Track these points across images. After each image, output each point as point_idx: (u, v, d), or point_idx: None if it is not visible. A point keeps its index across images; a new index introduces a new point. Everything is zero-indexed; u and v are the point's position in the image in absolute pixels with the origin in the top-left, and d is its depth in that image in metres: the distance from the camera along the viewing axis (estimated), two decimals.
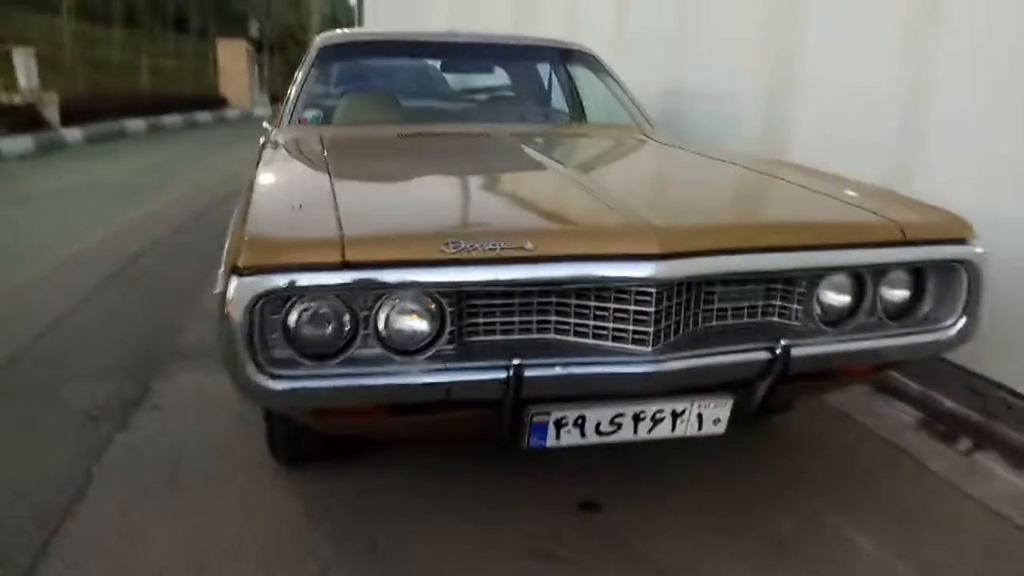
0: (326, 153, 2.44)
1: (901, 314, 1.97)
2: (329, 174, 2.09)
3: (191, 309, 3.78)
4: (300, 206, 1.80)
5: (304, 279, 1.52)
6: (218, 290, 1.59)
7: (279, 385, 1.54)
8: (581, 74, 3.76)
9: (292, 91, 3.19)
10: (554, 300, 1.72)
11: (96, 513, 2.10)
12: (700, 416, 1.84)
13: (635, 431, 1.81)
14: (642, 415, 1.80)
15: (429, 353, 1.65)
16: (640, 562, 1.94)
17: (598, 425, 1.79)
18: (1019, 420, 2.52)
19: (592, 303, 1.71)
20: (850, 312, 1.91)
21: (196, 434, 2.54)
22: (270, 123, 3.19)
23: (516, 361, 1.62)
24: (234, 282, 1.50)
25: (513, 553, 1.96)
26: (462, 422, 1.80)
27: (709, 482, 2.29)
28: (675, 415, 1.82)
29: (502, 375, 1.62)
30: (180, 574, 1.87)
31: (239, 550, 1.96)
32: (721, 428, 1.87)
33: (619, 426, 1.80)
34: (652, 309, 1.68)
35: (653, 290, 1.66)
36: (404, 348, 1.65)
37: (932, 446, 2.58)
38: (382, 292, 1.59)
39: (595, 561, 1.94)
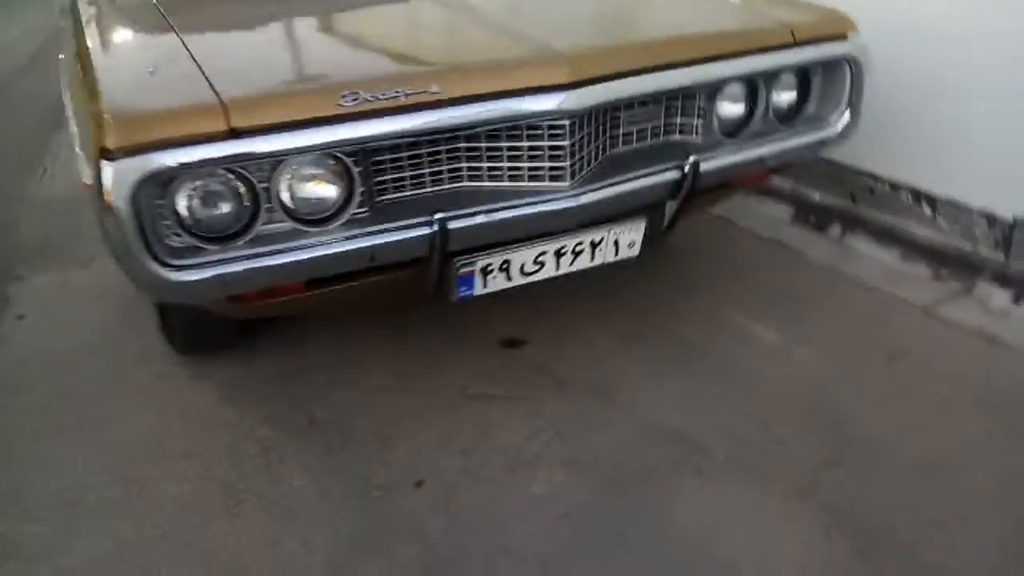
0: (158, 4, 2.11)
1: (789, 117, 2.03)
2: (175, 29, 1.81)
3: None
4: (153, 71, 1.55)
5: (188, 154, 1.34)
6: (87, 180, 1.38)
7: (185, 276, 1.40)
8: None
9: None
10: (463, 146, 1.63)
11: None
12: (616, 242, 1.86)
13: (557, 267, 1.82)
14: (563, 250, 1.79)
15: (342, 219, 1.54)
16: (570, 385, 2.02)
17: (522, 266, 1.77)
18: (881, 202, 2.75)
19: (504, 144, 1.64)
20: (744, 120, 1.95)
21: (76, 338, 2.33)
22: None
23: (439, 215, 1.55)
24: (108, 168, 1.30)
25: (449, 403, 1.98)
26: (384, 286, 1.73)
27: (616, 304, 2.37)
28: (594, 245, 1.83)
29: (426, 231, 1.55)
30: (110, 491, 1.76)
31: (165, 451, 1.86)
32: (636, 251, 1.91)
33: (542, 264, 1.80)
34: (567, 142, 1.63)
35: (566, 122, 1.60)
36: (314, 217, 1.53)
37: (808, 236, 2.78)
38: (279, 159, 1.44)
39: (528, 392, 2.00)
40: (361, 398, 2.01)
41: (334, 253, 1.50)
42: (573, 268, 1.84)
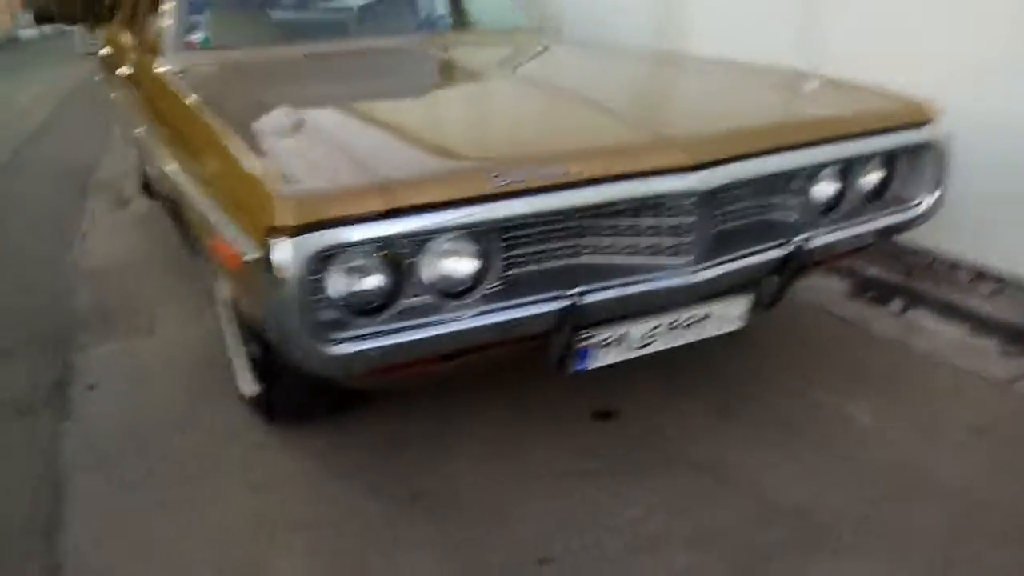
0: (271, 82, 2.20)
1: (875, 196, 2.10)
2: (301, 108, 1.87)
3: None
4: (297, 149, 1.58)
5: (355, 232, 1.37)
6: (249, 256, 1.40)
7: (344, 350, 1.41)
8: None
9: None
10: (584, 223, 1.67)
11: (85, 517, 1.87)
12: (723, 315, 1.90)
13: (669, 339, 1.84)
14: (675, 323, 1.82)
15: (479, 294, 1.56)
16: (675, 460, 2.01)
17: (637, 339, 1.80)
18: (939, 278, 2.82)
19: (624, 221, 1.68)
20: (836, 200, 2.01)
21: (155, 410, 2.30)
22: (140, 52, 2.77)
23: (576, 290, 1.57)
24: (281, 245, 1.32)
25: (554, 476, 1.96)
26: (507, 356, 1.75)
27: (702, 375, 2.38)
28: (704, 318, 1.86)
29: (560, 305, 1.57)
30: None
31: (272, 528, 1.82)
32: (741, 323, 1.94)
33: (655, 338, 1.82)
34: (688, 220, 1.68)
35: (689, 201, 1.65)
36: (451, 291, 1.55)
37: (869, 311, 2.82)
38: (429, 236, 1.47)
39: (632, 467, 1.99)
40: (463, 470, 1.99)
41: (479, 326, 1.52)
42: (682, 341, 1.87)
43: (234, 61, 2.61)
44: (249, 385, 2.20)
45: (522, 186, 1.49)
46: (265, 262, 1.34)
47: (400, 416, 2.21)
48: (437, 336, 1.49)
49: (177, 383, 2.46)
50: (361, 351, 1.42)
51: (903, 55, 2.75)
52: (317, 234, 1.33)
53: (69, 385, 2.45)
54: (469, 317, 1.52)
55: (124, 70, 3.28)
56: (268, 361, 1.95)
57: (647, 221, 1.68)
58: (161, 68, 2.55)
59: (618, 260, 1.71)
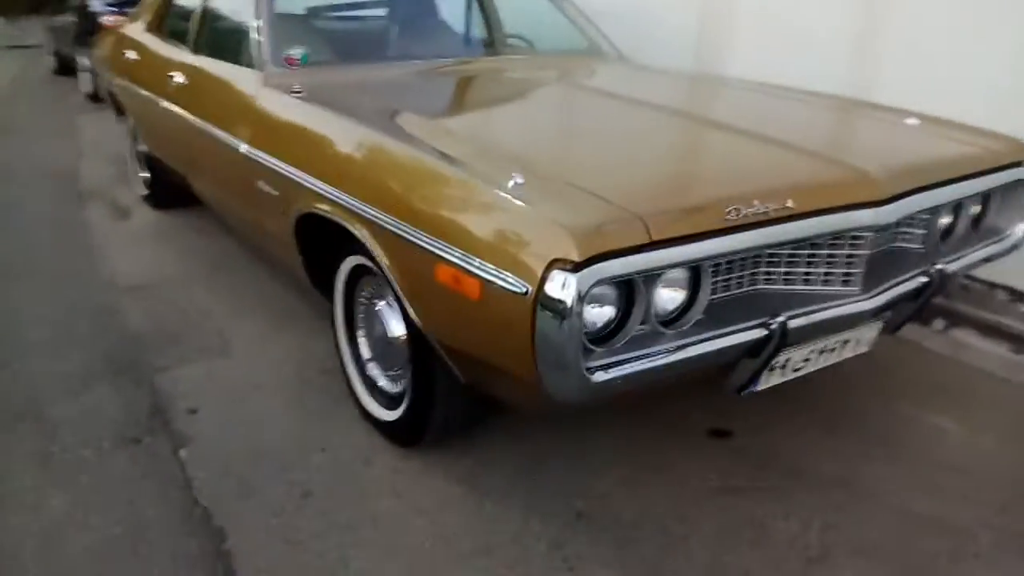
0: (427, 105, 2.23)
1: (973, 227, 2.30)
2: (499, 136, 1.96)
3: None
4: (518, 182, 1.60)
5: (619, 265, 1.42)
6: (523, 291, 1.41)
7: (602, 377, 1.45)
8: None
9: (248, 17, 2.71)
10: (766, 253, 1.77)
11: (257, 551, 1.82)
12: (860, 339, 2.03)
13: (818, 363, 1.96)
14: (825, 348, 1.94)
15: (690, 321, 1.63)
16: (804, 474, 2.12)
17: (796, 363, 1.90)
18: (977, 299, 3.07)
19: (805, 252, 1.79)
20: (949, 231, 2.19)
21: (272, 434, 2.25)
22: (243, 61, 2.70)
23: (781, 317, 1.67)
24: (566, 279, 1.35)
25: (700, 493, 2.04)
26: (694, 378, 1.82)
27: (792, 392, 2.49)
28: (846, 342, 1.99)
29: (765, 331, 1.66)
30: None
31: (455, 550, 1.82)
32: (870, 347, 2.08)
33: (809, 361, 1.93)
34: (864, 250, 1.80)
35: (869, 233, 1.78)
36: (667, 319, 1.62)
37: (916, 330, 3.04)
38: (668, 268, 1.53)
39: (770, 482, 2.09)
40: (614, 488, 2.05)
41: (704, 352, 1.59)
42: (823, 365, 1.99)
43: (349, 80, 2.61)
44: (382, 409, 2.19)
45: (745, 220, 1.58)
46: (540, 294, 1.37)
47: (530, 434, 2.25)
48: (671, 362, 1.55)
49: (281, 404, 2.41)
50: (614, 378, 1.47)
51: (953, 81, 2.97)
52: (595, 267, 1.38)
53: (167, 411, 2.36)
54: (695, 343, 1.59)
55: (177, 80, 3.17)
56: (427, 385, 1.95)
57: (825, 251, 1.80)
58: (267, 86, 2.50)
59: (794, 288, 1.81)
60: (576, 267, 1.37)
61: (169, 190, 4.12)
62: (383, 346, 2.18)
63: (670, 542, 1.88)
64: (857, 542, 1.89)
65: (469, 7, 3.51)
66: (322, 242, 2.24)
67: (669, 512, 1.98)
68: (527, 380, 1.50)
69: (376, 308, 2.16)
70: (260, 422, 2.32)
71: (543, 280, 1.38)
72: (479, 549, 1.83)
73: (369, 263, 2.06)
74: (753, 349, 1.68)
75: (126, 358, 2.66)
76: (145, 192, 4.41)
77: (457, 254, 1.56)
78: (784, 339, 1.68)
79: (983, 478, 2.16)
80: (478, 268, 1.51)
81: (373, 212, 1.81)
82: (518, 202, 1.51)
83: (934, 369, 2.76)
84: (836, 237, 1.78)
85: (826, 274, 1.83)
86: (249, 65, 2.67)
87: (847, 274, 1.83)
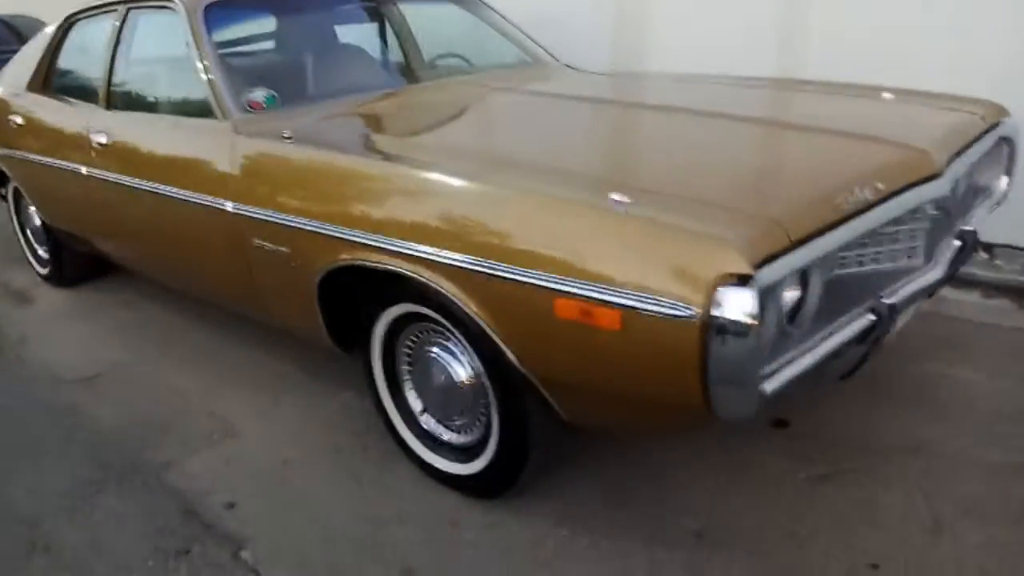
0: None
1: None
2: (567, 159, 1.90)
3: None
4: (624, 200, 1.52)
5: (774, 271, 1.37)
6: (688, 313, 1.33)
7: (769, 387, 1.40)
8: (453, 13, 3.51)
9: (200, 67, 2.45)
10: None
11: None
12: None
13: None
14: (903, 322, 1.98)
15: (808, 315, 1.61)
16: (876, 453, 2.16)
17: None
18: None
19: (889, 231, 1.80)
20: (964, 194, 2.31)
21: (341, 513, 2.03)
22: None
23: (888, 300, 1.68)
24: (740, 294, 1.29)
25: (796, 488, 2.04)
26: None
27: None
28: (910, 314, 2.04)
29: (875, 316, 1.67)
30: None
31: None
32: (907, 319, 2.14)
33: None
34: (926, 223, 1.86)
35: (931, 206, 1.84)
36: (790, 317, 1.59)
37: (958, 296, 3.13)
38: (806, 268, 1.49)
39: (853, 464, 2.11)
40: (713, 501, 2.00)
41: (839, 344, 1.57)
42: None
43: (335, 116, 2.42)
44: (454, 464, 2.04)
45: (855, 207, 1.58)
46: (710, 314, 1.30)
47: (596, 461, 2.16)
48: (820, 358, 1.52)
49: (323, 478, 2.19)
50: (782, 386, 1.42)
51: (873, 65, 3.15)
52: (761, 277, 1.32)
53: (201, 510, 2.08)
54: (826, 336, 1.57)
55: (96, 141, 2.82)
56: (519, 428, 1.83)
57: (895, 228, 1.83)
58: (241, 135, 2.27)
59: (869, 269, 1.84)
60: (742, 280, 1.31)
61: (77, 265, 3.71)
62: (442, 396, 2.02)
63: (800, 542, 1.86)
64: (962, 503, 1.94)
65: (397, 33, 3.37)
66: (347, 295, 2.07)
67: (781, 513, 1.95)
68: (685, 403, 1.42)
69: (430, 355, 2.01)
70: (312, 502, 2.09)
71: (713, 299, 1.30)
72: None
73: (423, 310, 1.91)
74: (863, 334, 1.69)
75: (119, 460, 2.33)
76: (44, 271, 3.93)
77: (584, 285, 1.45)
78: (892, 320, 1.70)
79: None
80: (617, 297, 1.41)
81: (455, 256, 1.66)
82: (655, 220, 1.43)
83: (927, 325, 2.91)
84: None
85: (893, 250, 1.87)
86: (203, 115, 2.42)
87: (911, 247, 1.87)
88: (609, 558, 1.83)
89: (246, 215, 2.19)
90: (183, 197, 2.41)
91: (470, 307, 1.68)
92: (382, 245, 1.82)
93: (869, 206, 1.62)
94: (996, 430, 2.23)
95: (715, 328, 1.30)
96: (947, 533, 1.85)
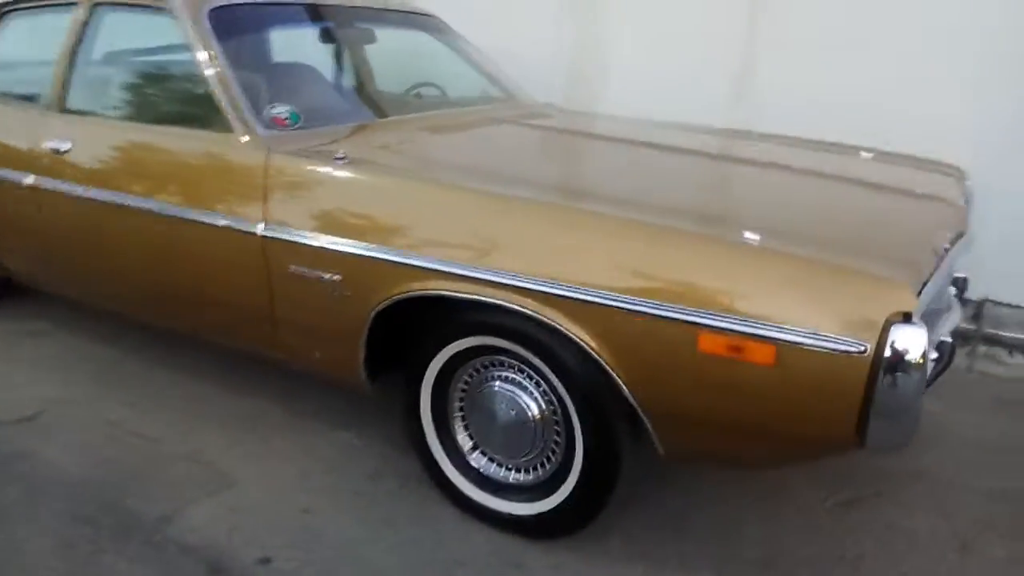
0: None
1: None
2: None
3: None
4: (755, 239, 1.58)
5: (921, 307, 1.48)
6: (858, 349, 1.39)
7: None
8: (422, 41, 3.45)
9: (210, 76, 2.23)
10: None
11: None
12: None
13: None
14: None
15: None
16: (885, 476, 2.34)
17: None
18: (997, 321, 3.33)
19: None
20: None
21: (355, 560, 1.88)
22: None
23: (946, 339, 1.85)
24: (912, 329, 1.37)
25: (829, 513, 2.15)
26: None
27: None
28: None
29: (937, 352, 1.83)
30: None
31: None
32: None
33: None
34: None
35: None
36: None
37: None
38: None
39: (867, 489, 2.26)
40: (768, 529, 2.06)
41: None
42: None
43: (373, 137, 2.33)
44: (518, 504, 1.96)
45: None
46: (882, 350, 1.37)
47: (644, 494, 2.17)
48: (932, 375, 1.66)
49: (356, 525, 2.02)
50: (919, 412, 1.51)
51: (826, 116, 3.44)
52: (920, 315, 1.41)
53: (232, 568, 1.85)
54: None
55: (48, 147, 2.48)
56: (604, 465, 1.80)
57: None
58: (276, 152, 2.10)
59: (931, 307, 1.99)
60: (906, 318, 1.39)
61: None
62: (507, 433, 1.95)
63: (853, 564, 1.95)
64: (979, 521, 2.13)
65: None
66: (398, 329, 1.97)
67: (825, 538, 2.05)
68: (833, 435, 1.48)
69: (494, 390, 1.93)
70: (355, 552, 1.92)
71: (886, 336, 1.37)
72: None
73: (500, 342, 1.84)
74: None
75: (103, 515, 2.02)
76: None
77: (736, 321, 1.48)
78: (952, 357, 1.87)
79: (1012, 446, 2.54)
80: (774, 332, 1.45)
81: (575, 290, 1.63)
82: (819, 259, 1.50)
83: (996, 388, 3.03)
84: None
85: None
86: (205, 126, 2.22)
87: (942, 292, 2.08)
88: None
89: (282, 239, 2.02)
90: (189, 216, 2.17)
91: (584, 341, 1.65)
92: (478, 276, 1.74)
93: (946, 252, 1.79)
94: (979, 460, 2.47)
95: (887, 364, 1.37)
96: (975, 551, 2.03)
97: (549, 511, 1.92)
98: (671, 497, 2.18)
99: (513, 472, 2.01)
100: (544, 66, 4.21)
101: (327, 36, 2.95)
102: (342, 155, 2.03)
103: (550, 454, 1.93)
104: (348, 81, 2.93)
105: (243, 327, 2.29)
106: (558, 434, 1.89)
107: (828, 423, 1.47)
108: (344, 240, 1.93)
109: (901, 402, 1.41)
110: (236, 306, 2.22)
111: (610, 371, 1.64)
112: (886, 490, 2.27)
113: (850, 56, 3.45)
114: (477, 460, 2.05)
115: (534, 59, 4.25)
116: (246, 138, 2.16)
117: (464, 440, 2.06)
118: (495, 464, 2.03)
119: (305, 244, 1.99)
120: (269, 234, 2.04)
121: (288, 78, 2.65)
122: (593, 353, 1.64)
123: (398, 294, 1.87)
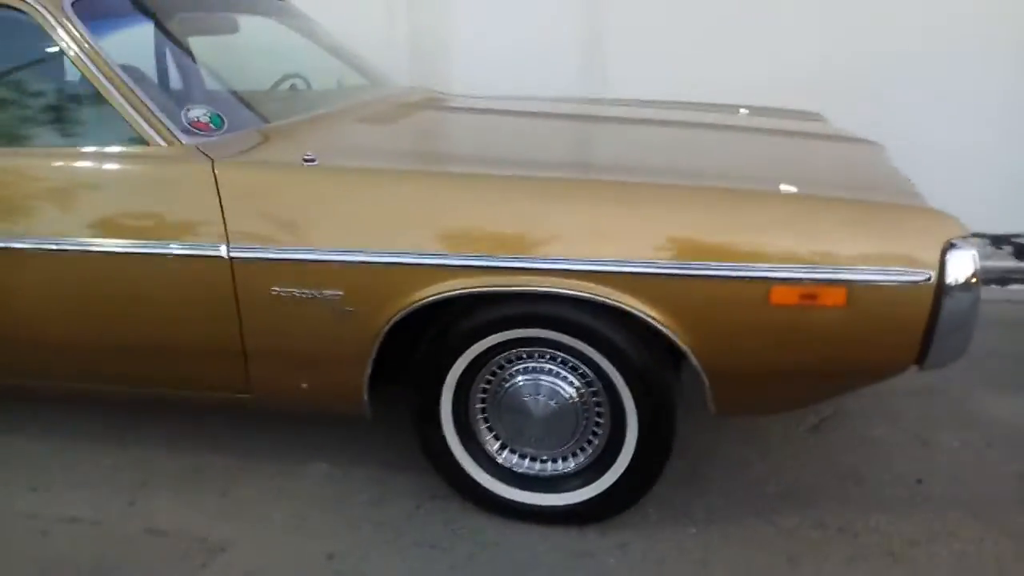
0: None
1: None
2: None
3: None
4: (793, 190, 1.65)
5: None
6: (922, 278, 1.51)
7: None
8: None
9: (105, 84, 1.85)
10: None
11: None
12: None
13: None
14: None
15: None
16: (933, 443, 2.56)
17: None
18: None
19: None
20: None
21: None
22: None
23: None
24: (966, 254, 1.53)
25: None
26: None
27: None
28: None
29: None
30: None
31: None
32: None
33: None
34: None
35: None
36: None
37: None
38: None
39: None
40: (829, 505, 2.03)
41: None
42: None
43: (307, 136, 2.08)
44: (562, 495, 1.91)
45: None
46: (943, 275, 1.51)
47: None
48: None
49: (399, 560, 1.85)
50: None
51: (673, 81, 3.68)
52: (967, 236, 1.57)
53: None
54: None
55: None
56: (656, 437, 1.81)
57: None
58: (224, 160, 1.81)
59: None
60: (957, 244, 1.54)
61: None
62: (546, 426, 1.87)
63: (859, 477, 2.14)
64: (923, 417, 2.42)
65: None
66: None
67: (823, 458, 2.22)
68: (896, 361, 1.61)
69: (526, 383, 1.85)
70: None
71: (945, 261, 1.51)
72: None
73: (533, 333, 1.76)
74: None
75: None
76: None
77: (806, 269, 1.54)
78: None
79: None
80: (843, 274, 1.53)
81: (635, 263, 1.60)
82: (873, 200, 1.62)
83: None
84: None
85: None
86: (118, 141, 1.86)
87: None
88: (750, 543, 1.90)
89: (259, 258, 1.75)
90: (120, 249, 1.80)
91: (651, 316, 1.62)
92: (525, 266, 1.64)
93: None
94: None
95: (948, 288, 1.51)
96: (932, 443, 2.31)
97: (600, 494, 1.89)
98: (697, 453, 2.24)
99: (550, 463, 1.94)
100: (382, 47, 4.05)
101: (190, 27, 2.57)
102: (311, 156, 1.80)
103: (590, 438, 1.89)
104: (229, 77, 2.57)
105: (200, 370, 1.96)
106: (599, 415, 1.86)
107: (895, 350, 1.60)
108: (345, 249, 1.72)
109: (961, 321, 1.56)
110: (191, 346, 1.89)
111: (677, 341, 1.64)
112: (839, 409, 2.51)
113: (698, 25, 3.71)
114: (509, 460, 1.95)
115: (373, 41, 4.06)
116: (174, 150, 1.83)
117: (492, 442, 1.95)
118: (527, 460, 1.95)
119: (291, 260, 1.74)
120: (239, 255, 1.75)
121: (179, 78, 2.28)
122: (660, 326, 1.63)
123: (419, 300, 1.70)
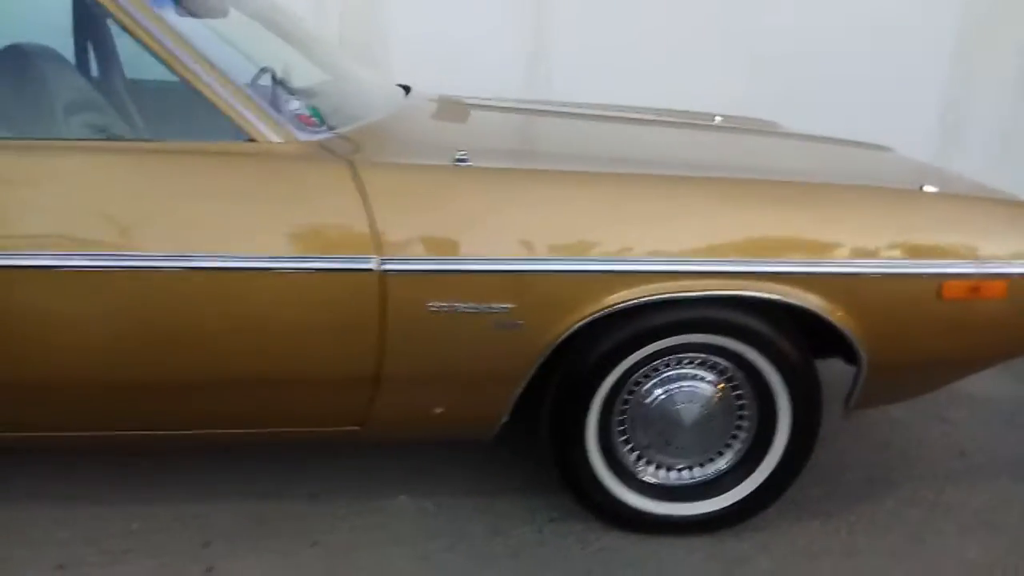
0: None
1: None
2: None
3: None
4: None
5: None
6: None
7: None
8: None
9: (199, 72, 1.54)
10: None
11: None
12: None
13: None
14: None
15: None
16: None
17: None
18: None
19: None
20: None
21: None
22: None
23: None
24: None
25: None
26: None
27: None
28: None
29: None
30: None
31: None
32: None
33: None
34: None
35: None
36: None
37: None
38: None
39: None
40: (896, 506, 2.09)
41: None
42: None
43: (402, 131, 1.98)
44: (700, 504, 1.89)
45: None
46: None
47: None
48: None
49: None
50: None
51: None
52: None
53: None
54: None
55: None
56: (806, 428, 1.83)
57: None
58: (367, 163, 1.59)
59: None
60: None
61: None
62: (694, 434, 1.84)
63: (884, 453, 2.30)
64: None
65: None
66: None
67: (856, 443, 2.34)
68: None
69: (676, 391, 1.80)
70: None
71: None
72: None
73: (694, 338, 1.73)
74: None
75: None
76: None
77: (974, 265, 1.65)
78: None
79: None
80: (1006, 268, 1.66)
81: (824, 265, 1.62)
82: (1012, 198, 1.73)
83: None
84: None
85: None
86: (215, 135, 1.57)
87: None
88: (894, 524, 1.98)
89: (416, 270, 1.55)
90: (222, 265, 1.51)
91: (829, 314, 1.65)
92: (707, 270, 1.61)
93: None
94: None
95: None
96: (947, 418, 2.54)
97: (750, 494, 1.88)
98: None
99: (687, 472, 1.90)
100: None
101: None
102: (463, 155, 1.63)
103: (730, 441, 1.88)
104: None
105: (309, 404, 1.69)
106: (740, 418, 1.86)
107: None
108: (519, 258, 1.57)
109: None
110: (307, 376, 1.63)
111: (850, 337, 1.68)
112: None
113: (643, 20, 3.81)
114: (654, 474, 1.89)
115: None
116: (282, 146, 1.57)
117: (631, 457, 1.87)
118: (664, 470, 1.90)
119: (454, 272, 1.56)
120: (393, 267, 1.54)
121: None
122: (838, 324, 1.66)
123: (599, 310, 1.60)
